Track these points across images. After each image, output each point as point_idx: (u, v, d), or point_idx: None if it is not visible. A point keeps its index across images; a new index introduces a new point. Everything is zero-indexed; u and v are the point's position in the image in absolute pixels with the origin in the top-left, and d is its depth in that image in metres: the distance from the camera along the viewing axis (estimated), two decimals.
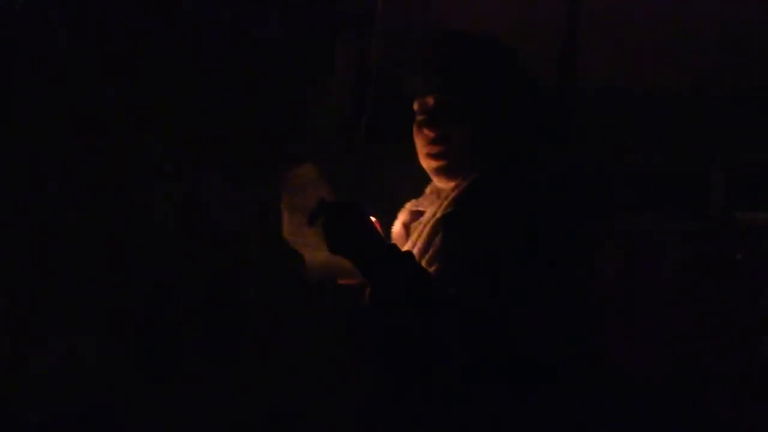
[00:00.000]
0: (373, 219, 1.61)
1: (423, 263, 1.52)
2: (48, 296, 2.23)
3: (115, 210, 2.29)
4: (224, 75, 2.37)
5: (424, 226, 1.58)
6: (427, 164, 1.66)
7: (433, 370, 1.45)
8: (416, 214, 1.71)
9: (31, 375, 2.20)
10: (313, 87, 2.48)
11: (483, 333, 1.41)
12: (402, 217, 1.75)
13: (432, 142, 1.63)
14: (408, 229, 1.71)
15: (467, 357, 1.42)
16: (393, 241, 1.71)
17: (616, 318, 2.79)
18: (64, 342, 2.21)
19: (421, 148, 1.66)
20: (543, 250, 1.46)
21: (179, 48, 2.34)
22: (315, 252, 1.57)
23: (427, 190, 1.74)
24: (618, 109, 3.25)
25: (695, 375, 2.86)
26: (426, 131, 1.63)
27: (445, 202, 1.57)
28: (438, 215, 1.56)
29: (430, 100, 1.64)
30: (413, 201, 1.75)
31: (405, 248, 1.58)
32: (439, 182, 1.67)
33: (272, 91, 2.40)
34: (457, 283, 1.43)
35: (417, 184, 1.76)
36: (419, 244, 1.56)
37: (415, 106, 1.67)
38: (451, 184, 1.62)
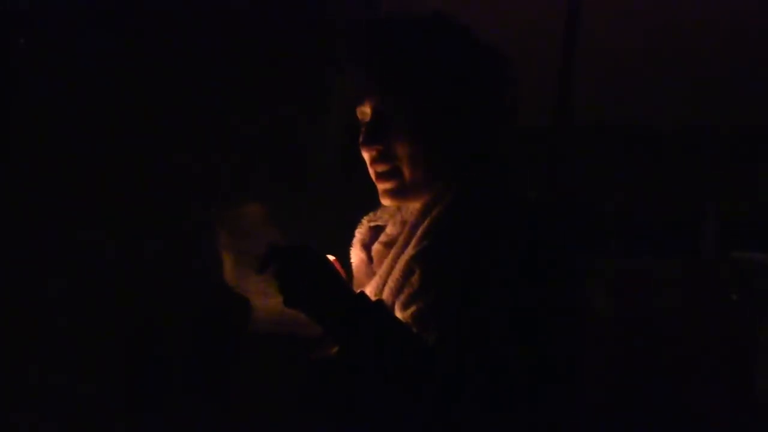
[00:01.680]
0: (331, 258, 1.36)
1: (398, 304, 1.28)
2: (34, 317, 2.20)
3: (109, 235, 2.25)
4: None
5: (394, 261, 1.32)
6: (377, 185, 1.37)
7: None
8: (376, 231, 1.46)
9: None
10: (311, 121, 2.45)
11: (470, 387, 1.19)
12: (360, 236, 1.49)
13: (376, 160, 1.33)
14: (369, 251, 1.45)
15: (448, 411, 1.20)
16: (353, 264, 1.48)
17: (609, 359, 2.78)
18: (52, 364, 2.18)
19: (368, 165, 1.37)
20: (534, 290, 1.23)
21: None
22: (264, 298, 1.33)
23: None
24: (614, 147, 3.25)
25: (690, 417, 2.84)
26: (367, 148, 1.33)
27: (419, 232, 1.31)
28: (411, 252, 1.30)
29: (367, 109, 1.33)
30: (371, 215, 1.49)
31: (370, 280, 1.36)
32: (391, 205, 1.40)
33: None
34: (441, 328, 1.22)
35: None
36: (391, 284, 1.30)
37: (358, 115, 1.37)
38: (414, 205, 1.37)
